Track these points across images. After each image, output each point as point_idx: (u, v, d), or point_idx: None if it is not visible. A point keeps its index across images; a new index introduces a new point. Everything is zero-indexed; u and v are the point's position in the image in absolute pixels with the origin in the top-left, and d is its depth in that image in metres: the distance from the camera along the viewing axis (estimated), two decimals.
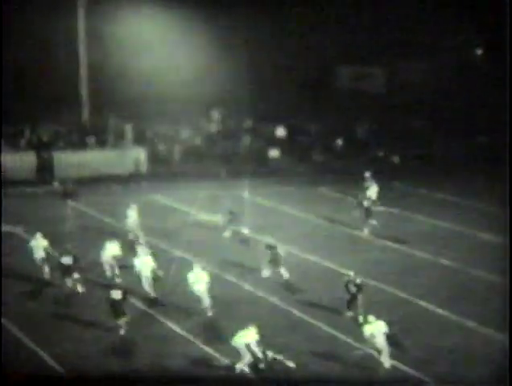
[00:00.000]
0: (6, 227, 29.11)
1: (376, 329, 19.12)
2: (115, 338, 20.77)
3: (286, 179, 37.45)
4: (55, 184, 35.03)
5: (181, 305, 22.63)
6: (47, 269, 24.57)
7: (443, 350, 20.00)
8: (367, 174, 33.01)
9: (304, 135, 43.36)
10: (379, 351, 19.15)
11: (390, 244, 28.55)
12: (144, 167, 38.68)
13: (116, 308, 20.96)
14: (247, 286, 24.41)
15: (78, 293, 23.62)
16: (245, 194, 35.47)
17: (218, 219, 30.88)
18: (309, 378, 18.70)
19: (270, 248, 25.01)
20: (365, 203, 30.03)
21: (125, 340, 20.65)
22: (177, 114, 42.23)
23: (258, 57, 45.25)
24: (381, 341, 19.05)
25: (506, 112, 17.33)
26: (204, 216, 31.59)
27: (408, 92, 44.70)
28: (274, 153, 41.32)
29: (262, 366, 18.80)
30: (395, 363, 19.21)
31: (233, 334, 19.21)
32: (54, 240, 26.70)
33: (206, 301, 22.21)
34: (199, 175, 38.08)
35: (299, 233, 29.80)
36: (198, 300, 22.13)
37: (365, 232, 29.59)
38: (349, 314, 21.94)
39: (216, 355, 19.70)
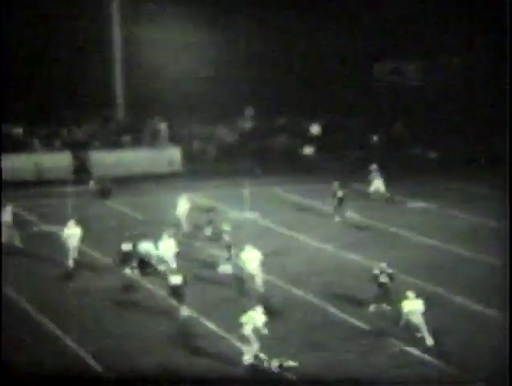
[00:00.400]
0: (44, 227, 29.38)
1: (414, 306, 19.53)
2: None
3: (320, 176, 37.27)
4: (91, 184, 35.25)
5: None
6: (72, 259, 24.86)
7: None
8: (373, 167, 33.15)
9: (339, 132, 43.16)
10: (416, 328, 19.50)
11: (427, 240, 28.27)
12: (179, 166, 38.78)
13: (177, 293, 21.26)
14: (280, 282, 24.37)
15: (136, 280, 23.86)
16: (280, 191, 35.46)
17: (253, 216, 30.90)
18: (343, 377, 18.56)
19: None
20: (339, 194, 30.50)
21: (166, 337, 20.66)
22: (212, 112, 42.29)
23: (292, 55, 45.11)
24: (418, 318, 19.46)
25: None
26: (238, 214, 31.59)
27: (446, 87, 44.26)
28: (308, 150, 41.19)
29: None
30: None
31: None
32: (91, 238, 27.06)
33: (259, 279, 22.85)
34: (233, 173, 38.10)
35: (333, 230, 29.66)
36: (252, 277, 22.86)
37: (336, 219, 29.94)
38: (373, 307, 21.74)
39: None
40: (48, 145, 38.50)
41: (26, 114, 39.89)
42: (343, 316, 21.74)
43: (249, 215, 31.43)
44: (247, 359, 18.87)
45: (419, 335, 19.55)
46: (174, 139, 40.49)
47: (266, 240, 28.27)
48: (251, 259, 22.88)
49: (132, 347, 19.96)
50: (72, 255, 25.18)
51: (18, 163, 36.51)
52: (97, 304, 22.71)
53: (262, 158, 40.33)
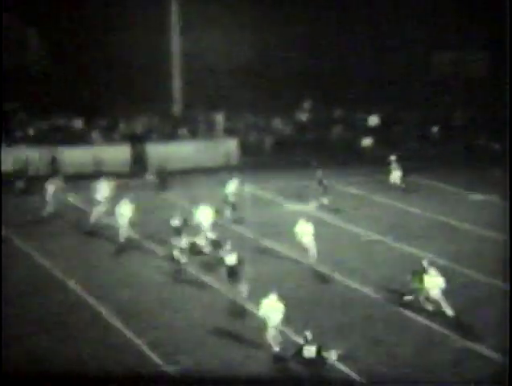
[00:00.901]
0: (105, 220, 29.62)
1: (435, 282, 20.56)
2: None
3: (378, 168, 36.73)
4: (148, 176, 35.36)
5: None
6: (125, 234, 25.57)
7: None
8: (392, 158, 33.24)
9: (398, 123, 42.54)
10: (434, 302, 20.60)
11: (488, 233, 27.58)
12: (235, 158, 38.66)
13: (233, 273, 21.48)
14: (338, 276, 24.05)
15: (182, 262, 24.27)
16: (335, 183, 35.13)
17: (310, 208, 30.66)
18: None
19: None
20: (325, 182, 31.11)
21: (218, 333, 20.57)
22: (268, 104, 42.07)
23: (349, 46, 44.53)
24: (437, 293, 20.54)
25: None
26: (295, 206, 31.38)
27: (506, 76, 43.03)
28: (366, 142, 40.65)
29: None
30: None
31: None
32: (148, 230, 27.13)
33: (313, 251, 24.39)
34: (290, 165, 37.83)
35: (391, 223, 29.20)
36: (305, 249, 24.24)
37: (311, 205, 29.81)
38: (407, 298, 21.58)
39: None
40: (107, 137, 38.77)
41: (85, 107, 40.31)
42: (396, 309, 21.35)
43: (304, 207, 31.18)
44: (275, 350, 18.91)
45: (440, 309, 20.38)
46: (230, 131, 40.40)
47: (322, 231, 28.02)
48: (305, 233, 24.40)
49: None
50: (124, 233, 26.10)
51: (77, 156, 36.84)
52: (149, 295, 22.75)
53: (318, 149, 39.96)
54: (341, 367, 18.41)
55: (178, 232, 24.98)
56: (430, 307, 20.96)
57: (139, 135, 39.02)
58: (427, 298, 20.92)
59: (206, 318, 21.18)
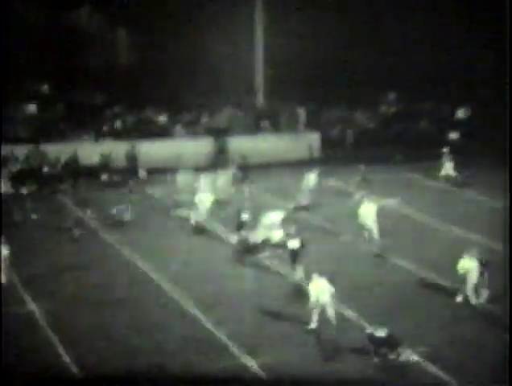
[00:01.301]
0: (183, 212, 29.85)
1: (470, 265, 20.93)
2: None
3: (466, 162, 35.92)
4: (231, 169, 35.42)
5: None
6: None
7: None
8: (444, 150, 33.18)
9: (487, 117, 41.37)
10: (468, 286, 20.90)
11: None
12: (317, 152, 38.40)
13: (294, 256, 22.03)
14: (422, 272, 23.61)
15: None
16: (420, 177, 34.59)
17: (393, 202, 30.19)
18: None
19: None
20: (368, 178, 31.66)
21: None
22: (351, 97, 41.62)
23: (436, 37, 43.45)
24: (473, 277, 20.88)
25: None
26: (378, 201, 30.94)
27: None
28: (454, 135, 39.74)
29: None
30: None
31: None
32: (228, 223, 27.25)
33: (375, 232, 25.04)
34: (373, 159, 37.35)
35: (479, 220, 28.35)
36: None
37: (394, 200, 28.89)
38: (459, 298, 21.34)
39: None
40: (189, 131, 39.10)
41: (169, 101, 40.77)
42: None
43: (387, 201, 30.72)
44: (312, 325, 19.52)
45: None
46: (312, 125, 40.15)
47: (405, 226, 27.65)
48: (368, 214, 25.06)
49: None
50: (201, 217, 26.66)
51: (160, 150, 37.25)
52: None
53: (403, 143, 39.30)
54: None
55: (243, 226, 25.50)
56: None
57: (222, 129, 39.20)
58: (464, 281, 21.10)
59: (287, 310, 21.08)
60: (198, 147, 37.67)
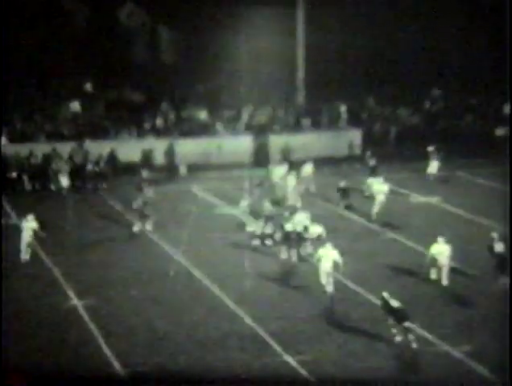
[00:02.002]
0: (224, 209, 29.80)
1: (441, 249, 21.96)
2: None
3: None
4: (270, 167, 35.28)
5: None
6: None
7: None
8: (430, 149, 33.28)
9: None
10: (438, 268, 21.98)
11: None
12: (358, 149, 38.09)
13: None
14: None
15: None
16: (463, 174, 34.11)
17: (436, 200, 29.92)
18: None
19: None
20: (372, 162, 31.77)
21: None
22: (394, 93, 41.22)
23: (481, 30, 42.74)
24: (443, 260, 21.91)
25: None
26: (420, 198, 30.67)
27: None
28: (500, 131, 39.07)
29: None
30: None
31: None
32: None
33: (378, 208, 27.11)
34: (416, 156, 36.96)
35: None
36: None
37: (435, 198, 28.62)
38: (503, 281, 21.63)
39: None
40: (231, 128, 39.08)
41: (210, 98, 40.80)
42: None
43: (430, 199, 30.41)
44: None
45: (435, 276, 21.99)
46: (354, 121, 39.85)
47: (446, 225, 27.26)
48: (381, 191, 27.17)
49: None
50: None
51: (202, 147, 37.29)
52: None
53: (447, 140, 38.76)
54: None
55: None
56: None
57: (262, 126, 39.09)
58: (432, 265, 22.28)
59: (326, 309, 20.95)
60: (239, 144, 37.62)
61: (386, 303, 19.04)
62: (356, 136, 38.69)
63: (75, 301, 21.64)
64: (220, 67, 41.48)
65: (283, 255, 24.57)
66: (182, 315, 20.78)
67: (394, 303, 18.97)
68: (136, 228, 27.36)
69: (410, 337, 18.56)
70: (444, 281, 22.09)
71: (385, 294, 19.16)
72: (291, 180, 30.35)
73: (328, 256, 21.62)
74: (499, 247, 22.10)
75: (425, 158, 34.33)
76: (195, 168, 35.69)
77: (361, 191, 30.81)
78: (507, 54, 36.73)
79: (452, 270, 22.96)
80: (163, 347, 19.04)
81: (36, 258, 24.75)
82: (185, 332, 19.78)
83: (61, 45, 39.91)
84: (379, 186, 28.47)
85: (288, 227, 24.60)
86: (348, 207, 29.51)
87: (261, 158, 37.01)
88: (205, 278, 23.20)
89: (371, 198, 29.08)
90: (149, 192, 29.27)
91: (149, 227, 27.56)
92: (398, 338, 18.82)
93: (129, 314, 20.83)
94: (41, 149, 34.45)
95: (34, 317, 20.60)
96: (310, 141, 37.90)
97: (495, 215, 27.99)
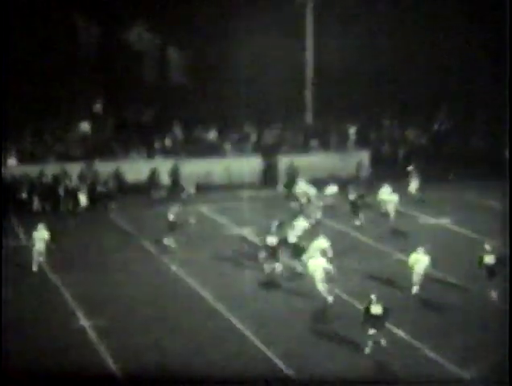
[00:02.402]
0: (234, 230, 29.84)
1: (420, 259, 23.11)
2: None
3: None
4: (279, 187, 35.43)
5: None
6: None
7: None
8: (410, 168, 33.84)
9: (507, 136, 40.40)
10: (416, 275, 23.11)
11: None
12: (366, 170, 38.09)
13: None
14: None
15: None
16: (473, 197, 34.07)
17: (445, 222, 29.91)
18: None
19: None
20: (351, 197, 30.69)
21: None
22: (402, 115, 41.35)
23: (488, 50, 42.74)
24: (420, 269, 23.10)
25: None
26: (430, 219, 30.66)
27: None
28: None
29: None
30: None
31: None
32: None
33: (392, 215, 27.98)
34: (424, 177, 37.01)
35: None
36: None
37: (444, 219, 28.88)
38: (493, 294, 22.45)
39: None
40: (239, 149, 39.19)
41: (219, 120, 40.99)
42: None
43: (439, 220, 30.40)
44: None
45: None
46: (362, 142, 39.94)
47: (456, 245, 27.27)
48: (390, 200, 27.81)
49: None
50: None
51: (211, 167, 37.39)
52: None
53: (456, 161, 38.76)
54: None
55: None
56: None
57: (271, 147, 39.21)
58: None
59: (336, 329, 20.93)
60: (247, 165, 37.71)
61: (367, 307, 19.64)
62: (364, 157, 38.74)
63: (83, 321, 21.66)
64: (229, 87, 41.70)
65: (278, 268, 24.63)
66: (191, 335, 20.76)
67: (376, 309, 19.50)
68: (167, 241, 27.46)
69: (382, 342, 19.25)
70: (414, 290, 22.93)
71: (372, 297, 19.68)
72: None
73: (317, 266, 22.40)
74: (489, 259, 22.85)
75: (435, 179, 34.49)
76: (203, 188, 35.77)
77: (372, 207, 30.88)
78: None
79: (457, 289, 22.99)
80: (171, 367, 18.99)
81: (45, 278, 24.82)
82: (194, 352, 19.76)
83: (71, 65, 40.21)
84: (389, 197, 29.75)
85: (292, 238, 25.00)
86: (359, 226, 29.57)
87: (269, 179, 37.10)
88: (214, 299, 23.19)
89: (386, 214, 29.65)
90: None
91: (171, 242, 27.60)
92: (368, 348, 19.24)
93: (137, 334, 20.81)
94: (51, 169, 34.65)
95: (40, 336, 20.60)
96: (318, 162, 37.97)
97: (503, 238, 27.92)
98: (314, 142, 39.63)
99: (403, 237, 28.44)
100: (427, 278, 24.07)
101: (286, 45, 41.72)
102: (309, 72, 41.21)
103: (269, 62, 42.46)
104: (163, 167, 36.31)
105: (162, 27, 43.44)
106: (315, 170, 36.85)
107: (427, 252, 23.21)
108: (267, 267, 24.67)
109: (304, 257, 24.06)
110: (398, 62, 42.05)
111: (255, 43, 41.91)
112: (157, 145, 38.39)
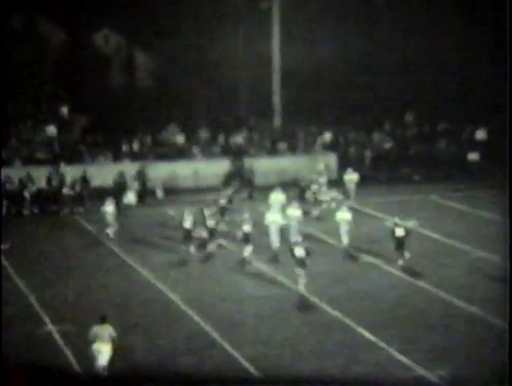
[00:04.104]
0: (198, 233, 29.80)
1: (344, 216, 27.02)
2: None
3: (484, 184, 35.85)
4: (241, 190, 35.28)
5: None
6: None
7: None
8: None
9: (508, 137, 40.77)
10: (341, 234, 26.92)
11: None
12: (334, 173, 38.28)
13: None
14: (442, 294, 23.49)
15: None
16: (437, 198, 34.50)
17: (411, 224, 30.14)
18: None
19: None
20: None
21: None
22: (368, 118, 41.65)
23: (454, 56, 43.28)
24: (344, 225, 26.91)
25: None
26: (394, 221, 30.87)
27: None
28: (473, 156, 39.50)
29: None
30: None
31: None
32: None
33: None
34: (391, 180, 37.34)
35: (493, 239, 28.14)
36: None
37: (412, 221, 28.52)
38: (400, 262, 25.17)
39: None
40: (207, 152, 39.18)
41: (186, 123, 40.96)
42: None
43: (406, 223, 30.63)
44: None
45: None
46: (330, 146, 40.14)
47: (423, 247, 27.52)
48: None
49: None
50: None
51: (179, 170, 37.34)
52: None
53: (421, 164, 39.19)
54: None
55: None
56: None
57: (238, 150, 39.24)
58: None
59: (305, 334, 20.99)
60: (215, 168, 37.71)
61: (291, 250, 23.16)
62: (331, 160, 38.91)
63: (50, 326, 21.48)
64: (196, 91, 41.72)
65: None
66: (159, 341, 20.69)
67: (298, 252, 22.98)
68: (212, 247, 27.45)
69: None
70: (344, 242, 27.07)
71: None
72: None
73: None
74: (399, 232, 25.50)
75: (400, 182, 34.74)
76: (171, 192, 35.66)
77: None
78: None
79: (427, 293, 23.23)
80: (136, 370, 18.91)
81: (10, 282, 24.59)
82: (161, 358, 19.71)
83: (37, 69, 39.91)
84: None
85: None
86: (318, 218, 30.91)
87: (236, 182, 37.06)
88: (183, 303, 23.15)
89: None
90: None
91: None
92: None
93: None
94: (16, 173, 34.31)
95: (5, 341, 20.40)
96: (285, 165, 38.10)
97: (468, 238, 28.32)
98: (281, 145, 39.74)
99: (369, 239, 28.58)
100: (399, 280, 24.36)
101: (253, 48, 41.87)
102: (276, 76, 41.32)
103: (236, 65, 42.57)
104: (131, 171, 36.16)
105: (128, 30, 43.34)
106: (283, 174, 37.02)
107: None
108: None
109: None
110: (366, 66, 42.40)
111: (222, 46, 42.00)
112: (124, 148, 38.24)
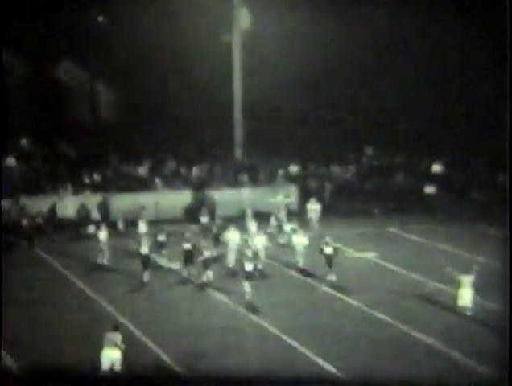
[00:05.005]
0: (161, 262, 29.91)
1: (300, 240, 29.01)
2: None
3: (441, 217, 36.51)
4: (205, 221, 35.28)
5: None
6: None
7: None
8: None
9: (464, 171, 41.49)
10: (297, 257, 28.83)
11: None
12: (294, 204, 38.62)
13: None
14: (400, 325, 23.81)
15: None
16: (396, 230, 34.99)
17: (370, 255, 30.54)
18: None
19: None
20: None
21: None
22: (328, 151, 42.18)
23: (411, 92, 43.91)
24: (300, 248, 28.83)
25: None
26: (355, 253, 31.27)
27: None
28: (430, 189, 40.15)
29: None
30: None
31: None
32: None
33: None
34: (349, 212, 37.80)
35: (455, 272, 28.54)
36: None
37: (371, 253, 29.90)
38: (330, 277, 27.02)
39: None
40: (169, 183, 39.32)
41: (148, 154, 41.08)
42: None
43: (365, 254, 31.08)
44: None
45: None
46: (290, 178, 40.56)
47: (382, 279, 27.88)
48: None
49: None
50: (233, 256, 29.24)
51: (140, 202, 37.29)
52: None
53: (379, 197, 39.74)
54: None
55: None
56: None
57: (200, 182, 39.44)
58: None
59: (266, 364, 21.10)
60: (176, 200, 37.83)
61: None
62: (292, 192, 39.26)
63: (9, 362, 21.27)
64: (159, 124, 41.91)
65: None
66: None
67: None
68: (205, 278, 27.57)
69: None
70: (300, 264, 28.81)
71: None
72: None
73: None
74: (328, 250, 27.46)
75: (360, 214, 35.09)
76: (132, 223, 35.61)
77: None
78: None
79: (386, 325, 23.54)
80: None
81: None
82: None
83: None
84: (312, 206, 33.62)
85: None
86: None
87: (199, 214, 37.16)
88: (143, 336, 23.12)
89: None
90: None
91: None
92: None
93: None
94: None
95: None
96: (247, 196, 38.38)
97: (426, 270, 28.73)
98: (243, 177, 40.06)
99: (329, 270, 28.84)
100: (358, 313, 24.64)
101: (214, 81, 42.24)
102: (237, 110, 41.74)
103: (197, 99, 42.88)
104: (92, 202, 36.12)
105: (88, 63, 43.45)
106: (244, 205, 37.25)
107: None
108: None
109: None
110: (326, 100, 43.00)
111: (183, 80, 42.32)
112: (86, 180, 38.20)
